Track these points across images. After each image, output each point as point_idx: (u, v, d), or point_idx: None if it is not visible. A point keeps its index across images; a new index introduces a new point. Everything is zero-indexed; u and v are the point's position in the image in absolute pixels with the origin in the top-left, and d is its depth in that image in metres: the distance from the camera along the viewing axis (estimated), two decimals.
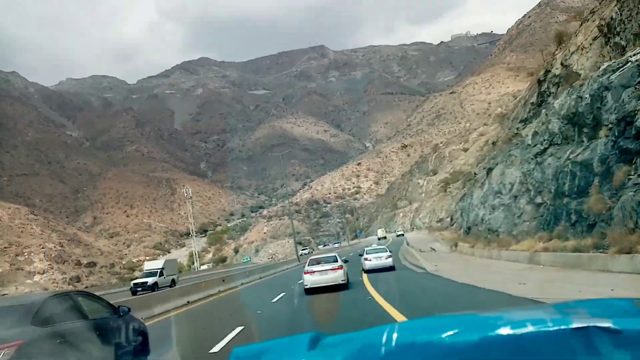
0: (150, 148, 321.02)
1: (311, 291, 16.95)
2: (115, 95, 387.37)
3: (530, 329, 0.62)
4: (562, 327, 0.61)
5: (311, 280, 17.20)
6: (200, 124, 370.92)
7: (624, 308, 0.66)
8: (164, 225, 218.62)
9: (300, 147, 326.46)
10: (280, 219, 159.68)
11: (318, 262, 18.17)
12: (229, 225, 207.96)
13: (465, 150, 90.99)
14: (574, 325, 0.61)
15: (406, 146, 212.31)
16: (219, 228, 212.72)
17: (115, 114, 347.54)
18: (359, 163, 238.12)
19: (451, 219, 58.25)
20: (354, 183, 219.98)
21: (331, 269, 17.33)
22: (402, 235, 75.99)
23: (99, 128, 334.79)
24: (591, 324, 0.60)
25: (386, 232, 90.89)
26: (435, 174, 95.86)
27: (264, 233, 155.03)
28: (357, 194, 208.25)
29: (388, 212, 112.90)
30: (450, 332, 0.66)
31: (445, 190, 76.77)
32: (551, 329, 0.61)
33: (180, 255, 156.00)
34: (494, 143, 48.10)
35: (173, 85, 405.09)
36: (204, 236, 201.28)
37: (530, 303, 8.56)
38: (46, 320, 5.34)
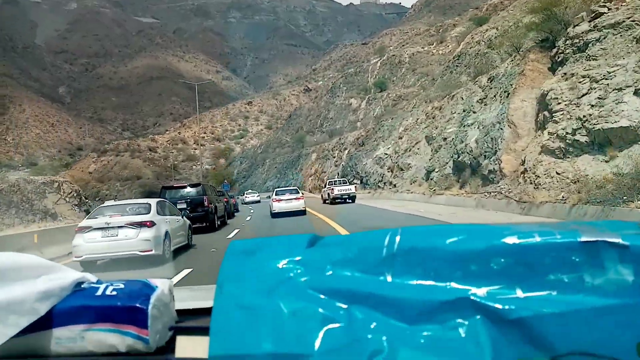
0: None
1: (277, 215, 19.09)
2: None
3: (537, 239, 0.59)
4: (571, 239, 0.58)
5: (278, 206, 19.48)
6: (69, 43, 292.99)
7: (629, 228, 0.62)
8: None
9: (185, 85, 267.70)
10: (119, 155, 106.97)
11: (283, 193, 20.51)
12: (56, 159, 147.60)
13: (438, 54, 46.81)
14: (583, 239, 0.58)
15: (310, 90, 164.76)
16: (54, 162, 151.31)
17: None
18: (250, 102, 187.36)
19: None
20: (240, 125, 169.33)
21: (295, 199, 19.66)
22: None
23: None
24: (600, 238, 0.58)
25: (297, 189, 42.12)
26: (382, 89, 51.14)
27: (89, 173, 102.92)
28: (241, 137, 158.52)
29: (288, 155, 64.59)
30: (455, 239, 0.63)
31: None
32: (559, 241, 0.59)
33: None
34: None
35: None
36: (28, 170, 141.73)
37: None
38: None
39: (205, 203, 15.20)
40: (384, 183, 27.46)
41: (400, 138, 29.08)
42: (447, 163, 21.00)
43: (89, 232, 8.66)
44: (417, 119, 28.79)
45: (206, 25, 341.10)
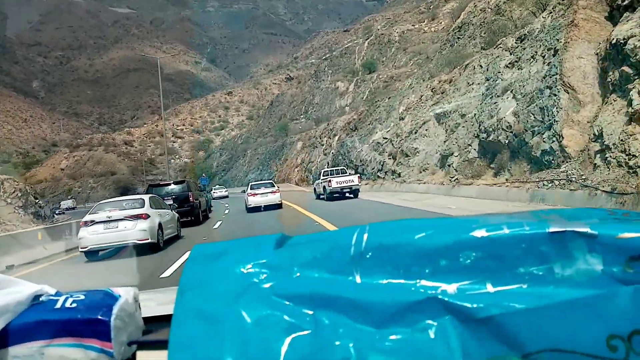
0: None
1: (252, 209, 18.71)
2: None
3: (506, 231, 0.58)
4: (539, 230, 0.57)
5: (254, 200, 19.06)
6: (42, 35, 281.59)
7: (599, 215, 0.61)
8: None
9: (163, 77, 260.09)
10: (92, 150, 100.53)
11: (258, 187, 20.03)
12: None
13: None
14: (551, 230, 0.56)
15: (292, 78, 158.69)
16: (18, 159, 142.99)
17: None
18: (230, 92, 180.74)
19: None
20: (220, 116, 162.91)
21: (270, 192, 19.24)
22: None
23: None
24: (568, 228, 0.56)
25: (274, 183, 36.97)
26: (371, 71, 46.04)
27: (61, 169, 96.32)
28: (222, 129, 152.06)
29: (270, 144, 58.48)
30: (423, 234, 0.60)
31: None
32: (528, 232, 0.57)
33: None
34: None
35: None
36: None
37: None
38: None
39: (191, 199, 16.09)
40: (385, 172, 23.07)
41: (402, 119, 24.70)
42: (469, 145, 16.67)
43: (93, 225, 9.82)
44: (421, 96, 24.40)
45: (184, 15, 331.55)
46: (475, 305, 0.56)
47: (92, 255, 10.07)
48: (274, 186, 19.95)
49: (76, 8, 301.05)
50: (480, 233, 0.58)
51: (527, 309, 0.54)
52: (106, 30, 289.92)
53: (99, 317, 0.70)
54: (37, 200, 29.85)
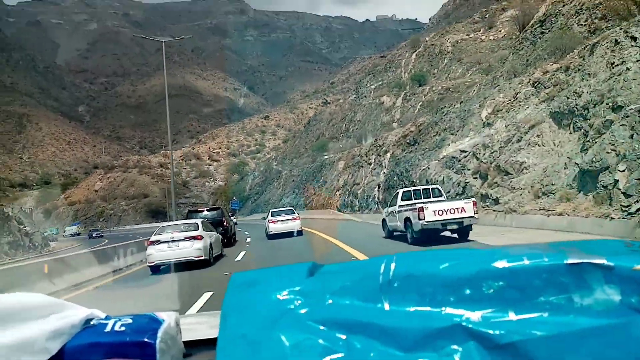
0: (16, 79, 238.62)
1: (273, 236, 18.71)
2: None
3: (526, 262, 0.59)
4: (558, 262, 0.58)
5: (274, 227, 19.06)
6: (89, 62, 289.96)
7: (616, 247, 0.61)
8: None
9: (203, 102, 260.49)
10: (127, 171, 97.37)
11: (279, 213, 20.19)
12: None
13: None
14: (569, 261, 0.58)
15: (329, 102, 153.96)
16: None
17: None
18: (267, 116, 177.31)
19: None
20: (256, 140, 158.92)
21: (290, 219, 19.29)
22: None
23: None
24: (585, 260, 0.57)
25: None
26: (422, 84, 39.15)
27: (95, 191, 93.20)
28: (258, 152, 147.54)
29: (307, 165, 50.67)
30: (446, 264, 0.63)
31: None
32: (546, 263, 0.59)
33: None
34: None
35: (63, 15, 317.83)
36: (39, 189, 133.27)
37: None
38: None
39: (225, 223, 18.36)
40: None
41: (488, 125, 18.09)
42: None
43: (159, 244, 11.93)
44: (516, 95, 17.77)
45: (223, 44, 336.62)
46: (498, 332, 0.57)
47: (155, 270, 11.87)
48: (294, 213, 20.09)
49: (121, 37, 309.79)
50: (501, 264, 0.60)
51: (548, 335, 0.55)
52: (149, 57, 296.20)
53: (145, 339, 0.73)
54: (22, 227, 25.20)
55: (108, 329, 0.76)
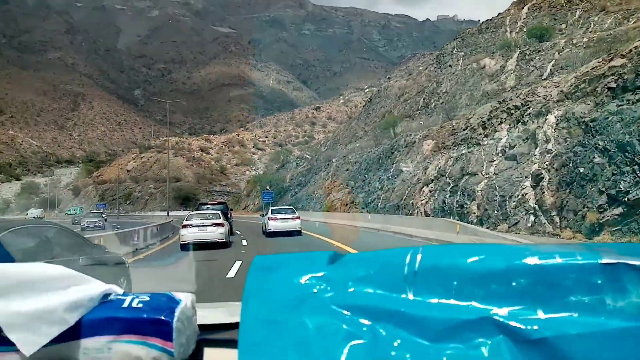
0: (77, 60, 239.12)
1: (271, 234, 18.71)
2: None
3: (558, 260, 0.57)
4: (592, 261, 0.55)
5: (274, 225, 19.01)
6: (148, 48, 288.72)
7: None
8: (36, 143, 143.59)
9: (256, 93, 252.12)
10: (161, 152, 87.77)
11: (279, 212, 19.98)
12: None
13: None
14: (604, 261, 0.55)
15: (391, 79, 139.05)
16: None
17: (46, 15, 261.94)
18: (318, 108, 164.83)
19: None
20: (305, 131, 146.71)
21: (291, 218, 19.27)
22: None
23: (23, 27, 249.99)
24: (621, 261, 0.55)
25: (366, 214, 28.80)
26: (544, 40, 25.90)
27: (127, 171, 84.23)
28: (305, 144, 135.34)
29: (369, 150, 37.61)
30: (475, 258, 0.60)
31: None
32: (579, 262, 0.56)
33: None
34: None
35: (127, 1, 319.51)
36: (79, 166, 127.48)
37: None
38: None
39: (228, 216, 20.39)
40: None
41: None
42: None
43: (190, 227, 14.63)
44: None
45: (280, 37, 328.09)
46: (528, 327, 0.55)
47: (185, 247, 14.30)
48: (294, 212, 20.03)
49: (182, 25, 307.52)
50: (532, 260, 0.58)
51: (579, 333, 0.53)
52: (206, 46, 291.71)
53: (163, 317, 0.72)
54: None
55: (125, 304, 0.75)
